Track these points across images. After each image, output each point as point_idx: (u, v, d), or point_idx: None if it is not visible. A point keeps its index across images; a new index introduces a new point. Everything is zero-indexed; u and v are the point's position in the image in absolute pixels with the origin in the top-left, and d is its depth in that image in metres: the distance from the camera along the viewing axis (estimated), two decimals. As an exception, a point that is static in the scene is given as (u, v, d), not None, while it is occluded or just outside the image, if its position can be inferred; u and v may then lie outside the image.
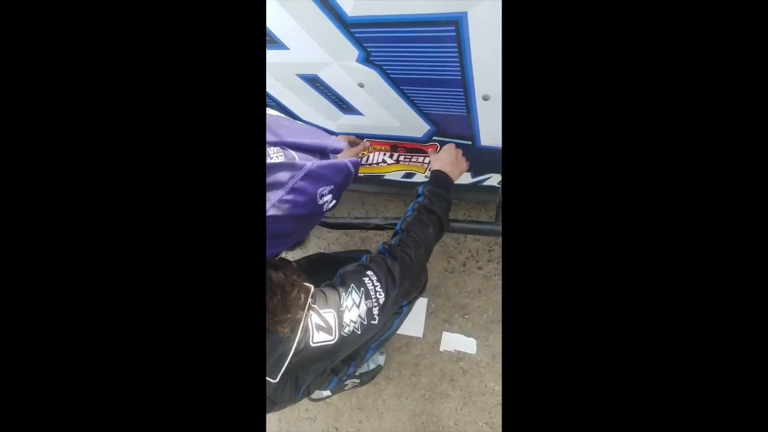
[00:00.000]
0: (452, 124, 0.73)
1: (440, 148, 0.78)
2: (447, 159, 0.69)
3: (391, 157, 0.92)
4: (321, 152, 0.41)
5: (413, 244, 0.56)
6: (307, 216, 0.37)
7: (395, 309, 0.53)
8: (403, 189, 1.08)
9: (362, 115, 0.76)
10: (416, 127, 0.77)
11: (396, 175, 1.00)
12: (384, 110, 0.73)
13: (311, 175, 0.36)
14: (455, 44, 0.51)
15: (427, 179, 0.68)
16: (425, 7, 0.46)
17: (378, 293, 0.49)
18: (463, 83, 0.58)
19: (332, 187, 0.39)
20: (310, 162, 0.36)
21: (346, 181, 0.40)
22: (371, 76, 0.62)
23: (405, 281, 0.52)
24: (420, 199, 0.63)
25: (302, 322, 0.43)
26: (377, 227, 0.77)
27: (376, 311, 0.49)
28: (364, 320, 0.47)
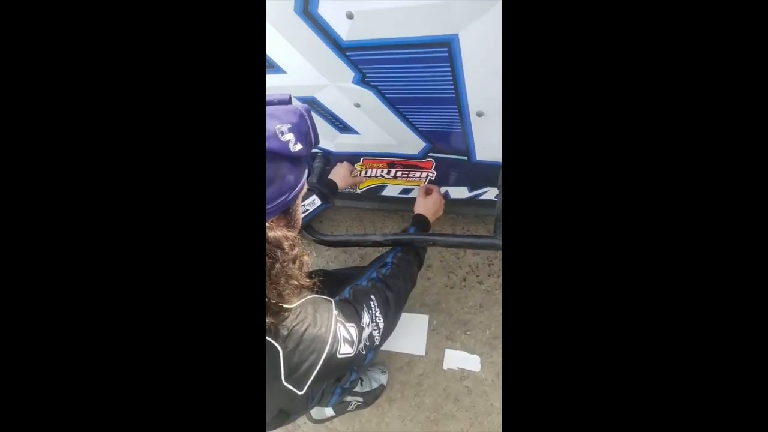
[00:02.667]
0: (447, 141, 0.74)
1: (424, 191, 0.80)
2: (431, 209, 0.77)
3: (388, 173, 0.93)
4: (268, 103, 0.40)
5: (403, 278, 0.62)
6: (275, 155, 0.36)
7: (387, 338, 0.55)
8: (401, 205, 1.08)
9: (359, 134, 0.77)
10: (412, 144, 0.78)
11: (394, 191, 1.01)
12: (380, 129, 0.74)
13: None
14: (448, 64, 0.52)
15: (411, 221, 0.74)
16: (418, 30, 0.47)
17: (378, 318, 0.53)
18: (457, 101, 0.59)
19: (290, 125, 0.37)
20: None
21: (302, 122, 0.38)
22: (367, 96, 0.63)
23: (397, 313, 0.58)
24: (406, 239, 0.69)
25: (331, 331, 0.44)
26: (375, 244, 0.75)
27: (377, 335, 0.52)
28: (369, 342, 0.51)
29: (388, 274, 0.61)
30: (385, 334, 0.54)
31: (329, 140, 0.82)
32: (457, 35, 0.46)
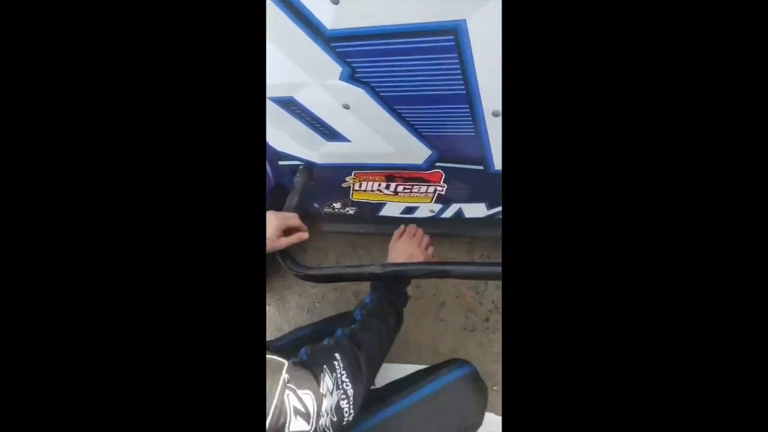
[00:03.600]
0: (458, 147, 0.74)
1: (400, 234, 0.80)
2: (404, 252, 0.74)
3: (387, 188, 0.92)
4: None
5: (377, 331, 0.60)
6: None
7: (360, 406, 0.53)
8: (395, 227, 1.08)
9: (349, 141, 0.78)
10: (415, 152, 0.78)
11: (394, 210, 1.00)
12: (375, 134, 0.75)
13: None
14: (455, 55, 0.53)
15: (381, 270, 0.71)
16: (418, 15, 0.48)
17: (346, 384, 0.51)
18: (468, 98, 0.60)
19: None
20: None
21: None
22: (358, 95, 0.64)
23: (370, 377, 0.55)
24: (378, 291, 0.69)
25: (275, 400, 0.43)
26: (374, 277, 0.74)
27: (345, 405, 0.50)
28: (336, 416, 0.48)
29: (357, 328, 0.59)
30: (357, 402, 0.51)
31: (312, 149, 0.83)
32: (464, 21, 0.47)
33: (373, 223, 1.06)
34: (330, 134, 0.76)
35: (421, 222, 1.04)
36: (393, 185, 0.91)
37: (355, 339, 0.57)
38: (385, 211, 1.01)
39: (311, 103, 0.68)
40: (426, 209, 0.99)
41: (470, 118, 0.64)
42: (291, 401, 0.45)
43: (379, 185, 0.92)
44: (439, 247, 0.95)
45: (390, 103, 0.65)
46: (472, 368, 0.69)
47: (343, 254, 1.24)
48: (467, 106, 0.61)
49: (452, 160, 0.80)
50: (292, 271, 0.76)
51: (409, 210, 1.00)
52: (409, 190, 0.92)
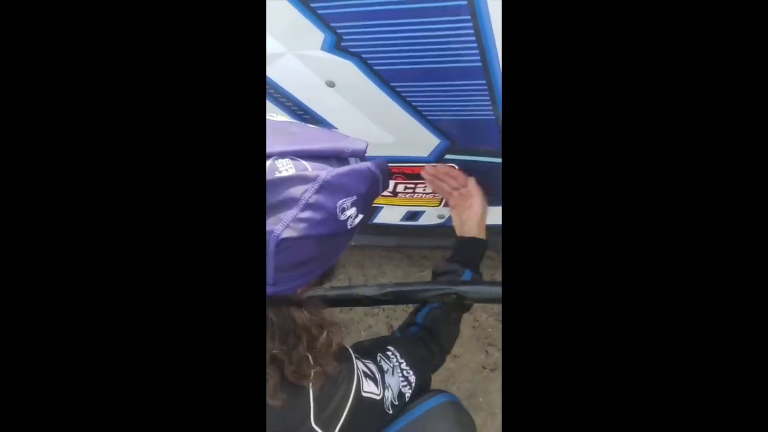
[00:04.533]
0: (473, 135, 0.74)
1: (473, 190, 0.81)
2: (480, 221, 0.80)
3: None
4: (337, 157, 0.47)
5: (437, 348, 0.71)
6: (329, 237, 0.45)
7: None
8: (405, 238, 1.07)
9: (334, 128, 0.77)
10: (419, 141, 0.78)
11: (393, 216, 1.00)
12: (367, 120, 0.74)
13: (327, 187, 0.43)
14: (468, 18, 0.52)
15: (456, 252, 0.78)
16: (420, -34, 0.47)
17: (407, 372, 0.64)
18: (485, 72, 0.59)
19: (354, 198, 0.45)
20: (325, 171, 0.43)
21: (372, 189, 0.48)
22: (346, 70, 0.63)
23: (428, 371, 0.71)
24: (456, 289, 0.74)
25: (352, 361, 0.57)
26: (369, 301, 0.73)
27: (408, 392, 0.63)
28: (398, 400, 0.62)
29: (415, 333, 0.71)
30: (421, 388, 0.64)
31: (289, 139, 0.83)
32: (480, -27, 0.46)
33: (367, 234, 1.05)
34: (310, 119, 0.76)
35: (426, 233, 1.04)
36: (392, 184, 0.90)
37: (411, 336, 0.70)
38: (381, 218, 1.00)
39: (286, 79, 0.68)
40: (433, 215, 0.98)
41: (488, 98, 0.63)
42: (359, 365, 0.58)
43: None
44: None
45: (386, 80, 0.64)
46: (452, 397, 0.74)
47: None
48: (484, 82, 0.61)
49: (466, 152, 0.79)
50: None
51: (412, 216, 0.99)
52: (411, 191, 0.91)
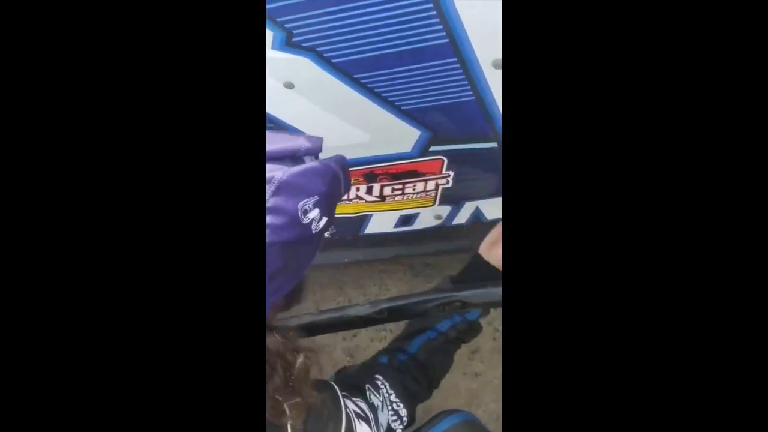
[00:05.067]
0: (456, 120, 0.74)
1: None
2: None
3: (369, 191, 0.92)
4: (292, 157, 0.49)
5: (427, 383, 0.75)
6: (294, 243, 0.46)
7: None
8: (403, 246, 1.09)
9: (301, 133, 0.78)
10: (398, 136, 0.78)
11: (385, 223, 1.00)
12: (338, 120, 0.75)
13: (285, 188, 0.44)
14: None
15: (467, 270, 0.79)
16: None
17: (397, 405, 0.67)
18: (455, 49, 0.60)
19: (316, 198, 0.47)
20: (280, 172, 0.44)
21: (334, 187, 0.48)
22: (303, 67, 0.64)
23: (418, 400, 0.73)
24: (463, 318, 0.78)
25: (341, 403, 0.60)
26: (362, 323, 0.73)
27: (398, 427, 0.67)
28: None
29: (405, 360, 0.74)
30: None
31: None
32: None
33: (359, 247, 1.07)
34: (273, 126, 0.77)
35: (426, 237, 1.05)
36: (377, 187, 0.91)
37: (399, 366, 0.72)
38: (373, 227, 1.00)
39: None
40: (430, 216, 0.99)
41: (463, 76, 0.64)
42: (349, 405, 0.60)
43: (358, 190, 0.92)
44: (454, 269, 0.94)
45: (348, 72, 0.65)
46: (468, 416, 0.78)
47: (326, 295, 1.23)
48: (455, 59, 0.61)
49: (452, 140, 0.80)
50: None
51: (407, 220, 1.00)
52: (400, 192, 0.91)
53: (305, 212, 0.46)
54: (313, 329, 0.77)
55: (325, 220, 0.49)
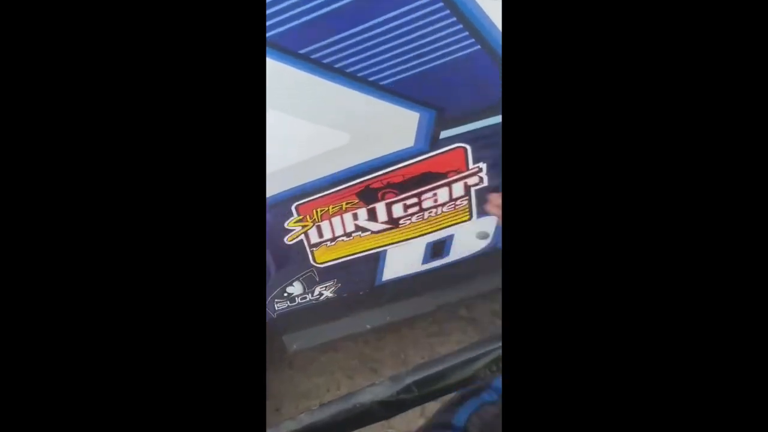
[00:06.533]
0: (466, 89, 0.66)
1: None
2: None
3: (372, 217, 0.82)
4: None
5: None
6: None
7: None
8: (442, 291, 0.96)
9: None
10: (390, 126, 0.71)
11: (409, 258, 0.89)
12: (308, 123, 0.67)
13: None
14: None
15: None
16: None
17: None
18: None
19: None
20: None
21: None
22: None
23: None
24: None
25: None
26: (383, 411, 0.56)
27: None
28: None
29: None
30: None
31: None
32: None
33: (382, 303, 0.93)
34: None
35: (476, 269, 0.92)
36: (381, 208, 0.80)
37: None
38: (392, 269, 0.88)
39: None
40: (470, 237, 0.87)
41: (455, 19, 0.56)
42: None
43: (355, 218, 0.81)
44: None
45: (306, 54, 0.58)
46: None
47: (356, 387, 1.00)
48: (441, 3, 0.55)
49: (468, 115, 0.70)
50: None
51: (438, 250, 0.86)
52: (417, 207, 0.80)
53: None
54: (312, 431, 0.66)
55: None
